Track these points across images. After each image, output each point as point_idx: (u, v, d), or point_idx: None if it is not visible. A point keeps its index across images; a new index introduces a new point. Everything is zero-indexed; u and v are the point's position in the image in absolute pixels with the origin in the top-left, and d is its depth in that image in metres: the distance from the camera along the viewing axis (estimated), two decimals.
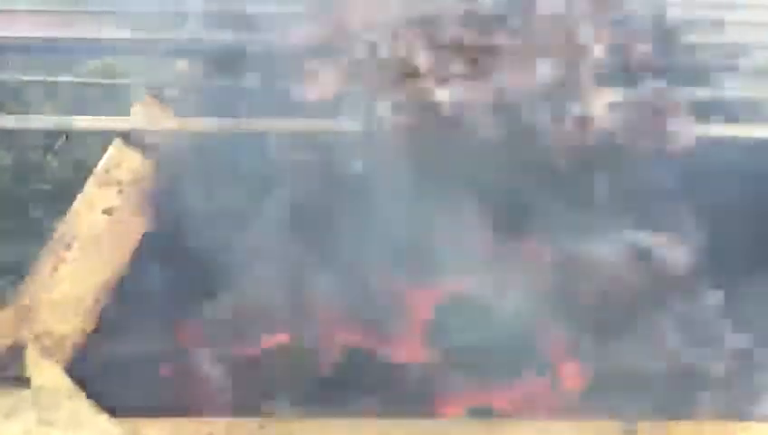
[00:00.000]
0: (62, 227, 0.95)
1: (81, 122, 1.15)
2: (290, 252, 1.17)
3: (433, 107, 1.00)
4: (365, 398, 1.02)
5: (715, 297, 1.25)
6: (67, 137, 2.11)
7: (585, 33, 1.22)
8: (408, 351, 1.14)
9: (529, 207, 1.18)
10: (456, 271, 1.17)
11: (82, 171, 2.01)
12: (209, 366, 1.02)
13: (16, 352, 0.76)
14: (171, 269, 1.13)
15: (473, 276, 1.17)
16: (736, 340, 1.16)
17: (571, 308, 1.16)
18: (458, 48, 1.22)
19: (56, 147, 2.11)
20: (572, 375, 1.12)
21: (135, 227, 0.99)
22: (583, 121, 1.02)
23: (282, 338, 1.07)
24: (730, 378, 1.09)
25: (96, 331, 0.84)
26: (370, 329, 1.15)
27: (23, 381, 0.75)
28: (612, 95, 1.10)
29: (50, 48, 1.47)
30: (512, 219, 1.17)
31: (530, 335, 1.14)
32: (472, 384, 1.08)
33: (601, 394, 1.06)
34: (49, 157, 2.08)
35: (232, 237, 1.23)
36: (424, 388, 1.07)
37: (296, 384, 1.04)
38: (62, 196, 1.93)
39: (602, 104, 1.06)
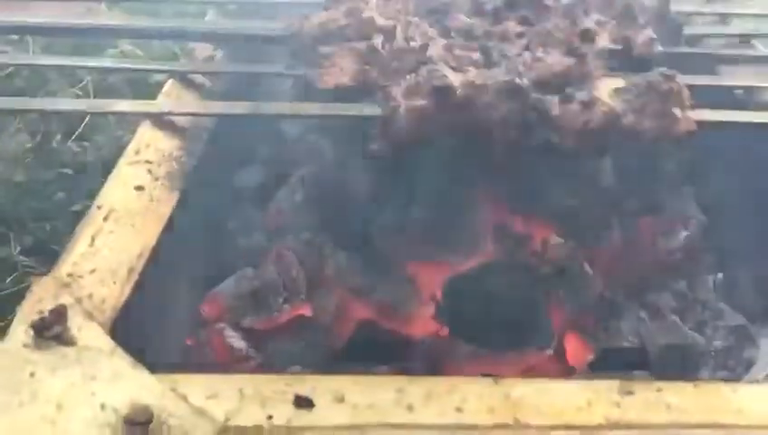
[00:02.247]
0: (98, 202, 1.01)
1: (114, 106, 1.21)
2: (310, 229, 1.23)
3: (446, 90, 1.05)
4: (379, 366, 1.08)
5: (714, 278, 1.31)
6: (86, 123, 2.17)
7: (591, 23, 1.27)
8: (418, 325, 1.20)
9: (538, 187, 1.23)
10: (465, 249, 1.23)
11: (102, 156, 2.08)
12: (234, 334, 1.08)
13: (59, 313, 0.82)
14: (199, 242, 1.19)
15: (481, 254, 1.23)
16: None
17: (574, 284, 1.22)
18: (470, 37, 1.27)
19: (77, 133, 2.17)
20: (575, 348, 1.17)
21: (165, 203, 1.05)
22: (590, 104, 1.07)
23: (302, 310, 1.13)
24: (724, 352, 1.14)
25: (132, 296, 0.90)
26: (383, 304, 1.20)
27: (66, 340, 0.81)
28: (618, 82, 1.15)
29: (72, 34, 1.51)
30: (520, 199, 1.23)
31: (534, 310, 1.19)
32: (479, 356, 1.14)
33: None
34: (70, 142, 2.14)
35: (255, 214, 1.29)
36: (433, 358, 1.12)
37: (315, 353, 1.10)
38: (84, 179, 2.00)
39: (608, 89, 1.11)
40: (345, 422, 0.73)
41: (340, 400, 0.75)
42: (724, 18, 1.61)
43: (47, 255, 1.71)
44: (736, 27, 1.57)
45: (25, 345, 0.79)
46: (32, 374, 0.77)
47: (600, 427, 0.72)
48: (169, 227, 1.02)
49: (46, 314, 0.82)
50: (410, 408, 0.74)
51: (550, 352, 1.15)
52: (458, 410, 0.74)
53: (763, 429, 0.72)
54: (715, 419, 0.73)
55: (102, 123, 2.18)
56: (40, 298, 0.85)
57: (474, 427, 0.72)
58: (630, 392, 0.76)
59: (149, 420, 0.72)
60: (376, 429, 0.72)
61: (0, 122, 2.10)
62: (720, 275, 1.30)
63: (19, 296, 1.56)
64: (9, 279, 1.67)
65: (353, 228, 1.24)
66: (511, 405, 0.74)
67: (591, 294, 1.22)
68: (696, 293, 1.27)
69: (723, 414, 0.73)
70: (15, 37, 2.36)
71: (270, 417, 0.73)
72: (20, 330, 0.81)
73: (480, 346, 1.14)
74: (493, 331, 1.15)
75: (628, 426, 0.73)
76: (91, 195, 1.87)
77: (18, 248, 1.75)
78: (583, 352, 1.18)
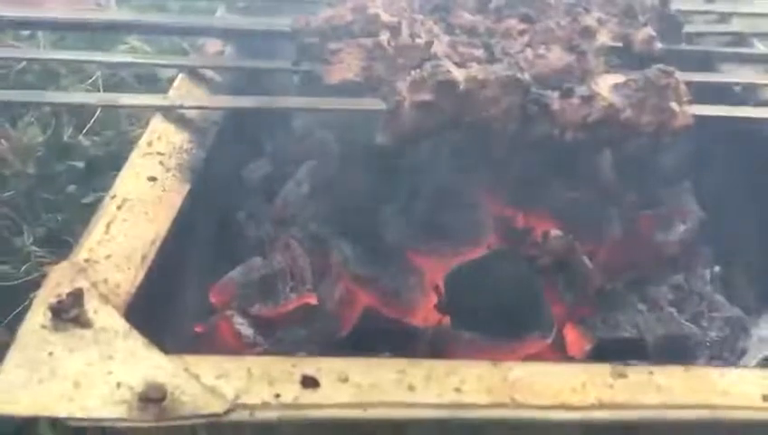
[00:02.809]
0: (112, 192, 1.04)
1: (126, 99, 1.24)
2: (316, 221, 1.26)
3: (449, 84, 1.08)
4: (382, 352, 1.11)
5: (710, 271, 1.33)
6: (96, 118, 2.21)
7: (592, 20, 1.30)
8: (421, 314, 1.23)
9: (539, 181, 1.26)
10: (467, 240, 1.26)
11: (112, 150, 2.12)
12: (243, 320, 1.11)
13: (76, 297, 0.86)
14: (209, 231, 1.23)
15: (483, 246, 1.26)
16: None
17: (573, 276, 1.24)
18: (473, 34, 1.31)
19: (87, 127, 2.21)
20: (574, 338, 1.20)
21: (176, 193, 1.08)
22: (589, 99, 1.10)
23: (308, 298, 1.17)
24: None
25: (145, 282, 0.93)
26: (386, 293, 1.23)
27: (83, 322, 0.85)
28: (617, 78, 1.18)
29: (82, 28, 1.53)
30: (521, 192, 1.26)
31: (535, 301, 1.22)
32: (479, 344, 1.16)
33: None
34: (81, 137, 2.18)
35: (262, 205, 1.32)
36: (435, 345, 1.16)
37: (321, 340, 1.14)
38: (94, 173, 2.04)
39: (607, 85, 1.14)
40: (349, 401, 0.76)
41: (344, 380, 0.78)
42: (725, 17, 1.64)
43: (59, 245, 1.76)
44: (737, 26, 1.60)
45: (44, 327, 0.83)
46: (50, 354, 0.80)
47: (592, 407, 0.75)
48: (180, 216, 1.06)
49: (64, 297, 0.85)
50: (411, 388, 0.77)
51: (549, 341, 1.18)
52: (457, 390, 0.77)
53: (746, 409, 0.75)
54: (702, 400, 0.76)
55: (112, 118, 2.22)
56: (58, 282, 0.88)
57: (472, 406, 0.76)
58: (623, 375, 0.79)
59: (163, 398, 0.75)
60: (378, 407, 0.75)
61: (13, 116, 2.14)
62: (717, 268, 1.32)
63: (32, 285, 1.61)
64: (23, 268, 1.71)
65: (358, 220, 1.28)
66: (508, 386, 0.77)
67: (591, 286, 1.25)
68: (693, 285, 1.30)
69: (710, 396, 0.77)
70: (26, 33, 2.40)
71: (277, 395, 0.76)
72: (39, 312, 0.84)
73: (481, 335, 1.17)
74: (493, 321, 1.17)
75: (620, 406, 0.76)
76: (101, 188, 1.92)
77: (31, 239, 1.79)
78: (582, 341, 1.21)
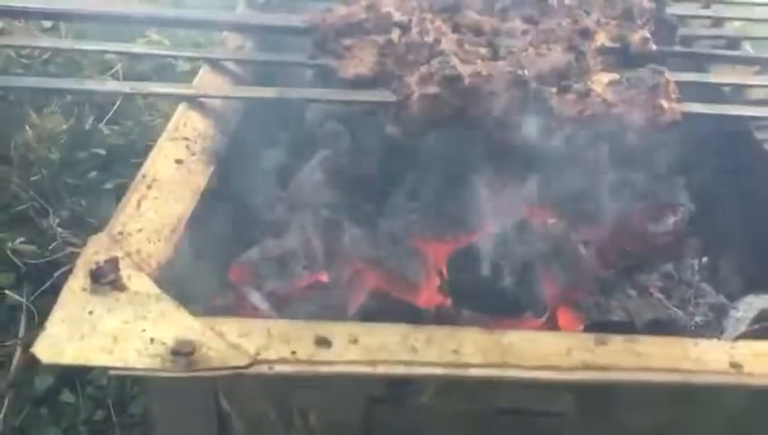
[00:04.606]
0: (143, 172, 1.13)
1: (155, 88, 1.33)
2: (328, 205, 1.35)
3: (455, 79, 1.16)
4: None
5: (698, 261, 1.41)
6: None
7: (591, 22, 1.38)
8: (424, 294, 1.31)
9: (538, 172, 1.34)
10: (469, 226, 1.34)
11: (131, 139, 2.21)
12: (258, 295, 1.20)
13: (112, 264, 0.95)
14: (229, 212, 1.32)
15: (484, 229, 1.34)
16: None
17: (569, 263, 1.32)
18: (479, 33, 1.39)
19: (108, 117, 2.31)
20: (567, 320, 1.28)
21: (200, 175, 1.17)
22: (584, 95, 1.18)
23: (319, 277, 1.25)
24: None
25: (173, 254, 1.02)
26: (393, 275, 1.32)
27: (119, 287, 0.94)
28: (612, 76, 1.26)
29: (104, 20, 1.57)
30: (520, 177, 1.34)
31: (531, 284, 1.30)
32: (477, 321, 1.24)
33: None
34: (102, 125, 2.27)
35: (278, 191, 1.41)
36: (436, 322, 1.24)
37: (330, 315, 1.22)
38: (114, 160, 2.14)
39: (603, 82, 1.22)
40: (358, 358, 0.85)
41: (354, 341, 0.87)
42: (719, 22, 1.71)
43: (83, 227, 1.85)
44: (729, 30, 1.67)
45: (84, 289, 0.92)
46: (90, 313, 0.89)
47: (575, 368, 0.84)
48: (205, 194, 1.15)
49: (102, 263, 0.94)
50: (414, 349, 0.86)
51: (543, 320, 1.26)
52: (455, 352, 0.86)
53: (713, 373, 0.84)
54: (675, 365, 0.85)
55: (131, 109, 2.31)
56: (96, 251, 0.97)
57: (468, 365, 0.84)
58: (605, 343, 0.87)
59: (192, 352, 0.84)
60: (384, 364, 0.84)
61: (38, 104, 2.24)
62: (705, 259, 1.40)
63: (58, 263, 1.70)
64: (49, 248, 1.81)
65: (367, 206, 1.36)
66: (501, 349, 0.86)
67: (584, 273, 1.33)
68: (682, 274, 1.37)
69: (682, 362, 0.85)
70: (48, 26, 2.50)
71: (294, 352, 0.85)
72: (80, 276, 0.93)
73: (479, 314, 1.25)
74: (491, 302, 1.25)
75: (601, 368, 0.84)
76: (121, 175, 2.01)
77: (56, 221, 1.89)
78: (574, 323, 1.29)
